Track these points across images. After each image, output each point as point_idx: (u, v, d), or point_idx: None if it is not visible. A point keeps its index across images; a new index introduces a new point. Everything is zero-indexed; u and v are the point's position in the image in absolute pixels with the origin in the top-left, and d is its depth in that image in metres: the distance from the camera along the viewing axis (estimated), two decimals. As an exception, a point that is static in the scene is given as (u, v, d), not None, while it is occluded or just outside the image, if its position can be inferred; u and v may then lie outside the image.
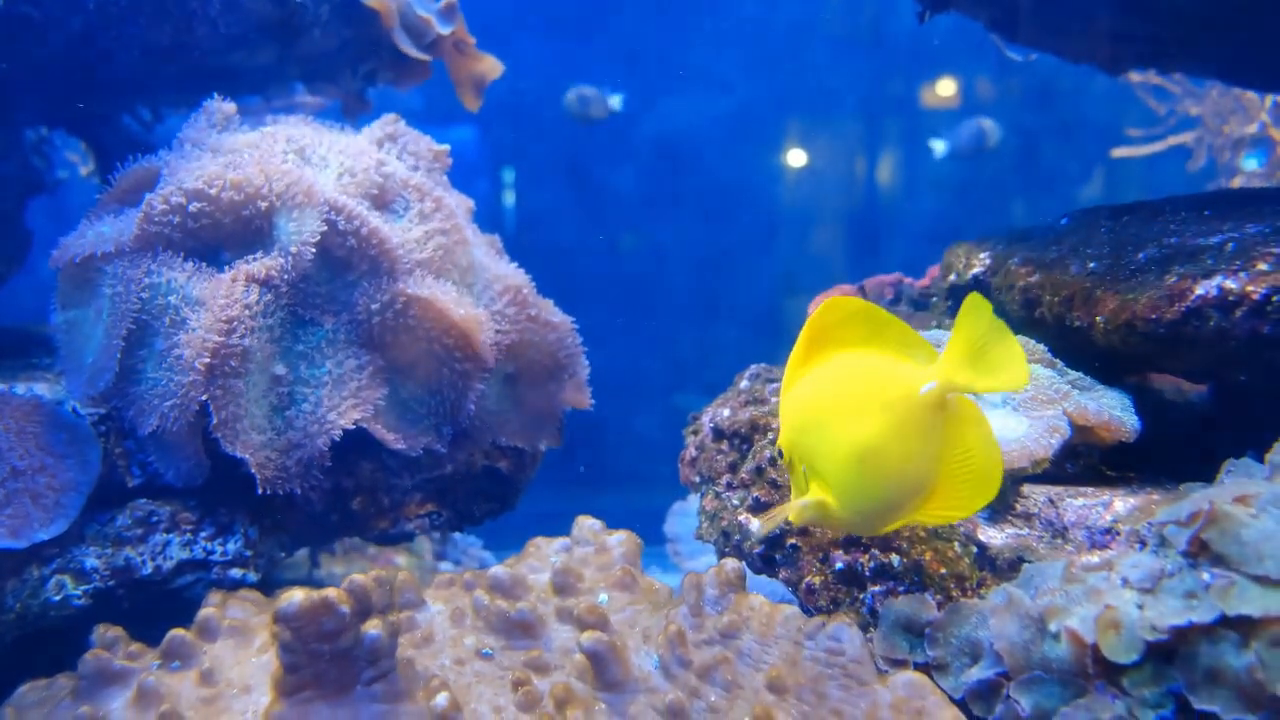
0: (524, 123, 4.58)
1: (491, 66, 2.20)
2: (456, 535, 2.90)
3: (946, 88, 4.83)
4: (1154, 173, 4.13)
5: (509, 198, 4.87)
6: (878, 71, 4.91)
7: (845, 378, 0.98)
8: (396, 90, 2.30)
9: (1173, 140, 3.79)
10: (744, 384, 1.64)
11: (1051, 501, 1.19)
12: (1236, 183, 3.68)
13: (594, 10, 4.75)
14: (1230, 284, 1.14)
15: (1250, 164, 3.69)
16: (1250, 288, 1.13)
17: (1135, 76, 3.61)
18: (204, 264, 1.40)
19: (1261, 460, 1.11)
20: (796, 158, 4.95)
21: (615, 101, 3.96)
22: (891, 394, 0.94)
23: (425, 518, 1.61)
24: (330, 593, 0.96)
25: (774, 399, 1.49)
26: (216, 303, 1.34)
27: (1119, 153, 3.83)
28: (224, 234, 1.44)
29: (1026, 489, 1.21)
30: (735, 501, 1.41)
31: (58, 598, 1.31)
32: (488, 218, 1.82)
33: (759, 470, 1.40)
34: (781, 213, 4.99)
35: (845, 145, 4.92)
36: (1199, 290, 1.16)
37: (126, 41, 1.74)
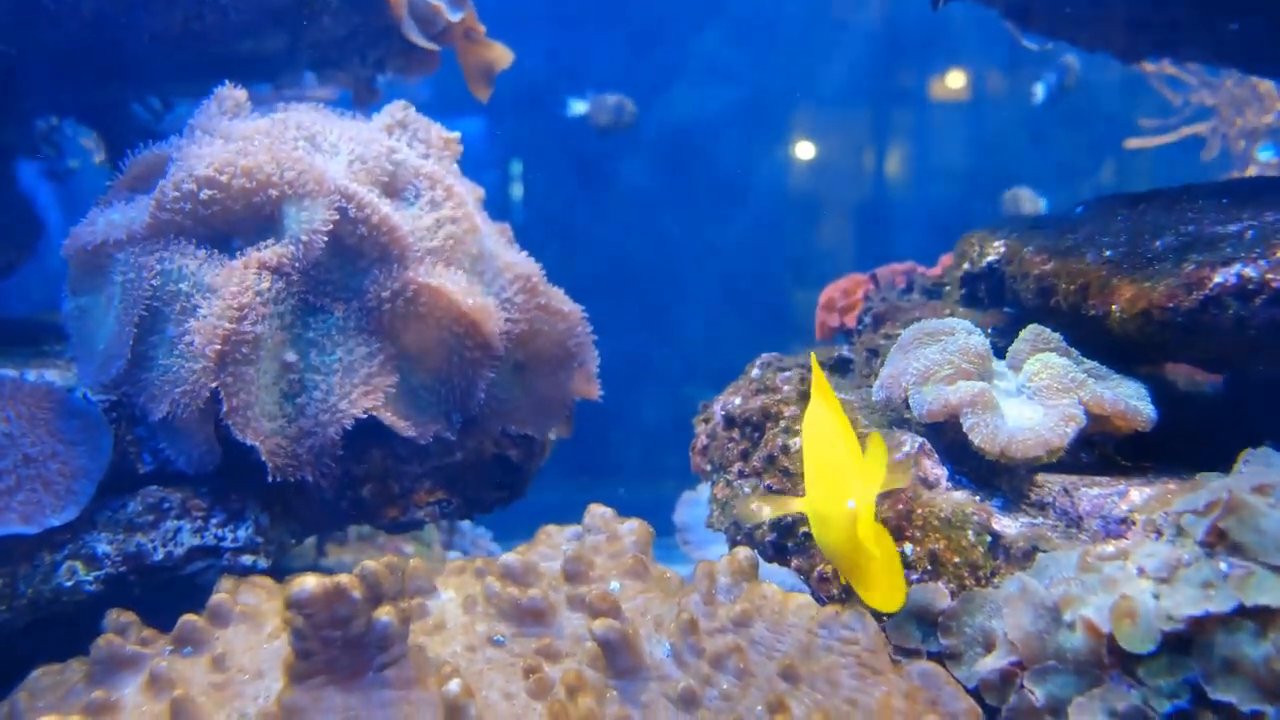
0: (532, 114, 4.57)
1: (501, 55, 2.19)
2: (465, 525, 2.90)
3: (956, 79, 4.81)
4: (1165, 164, 4.10)
5: (517, 189, 4.86)
6: (888, 62, 4.88)
7: (821, 446, 1.13)
8: (405, 79, 2.30)
9: (1186, 131, 3.76)
10: (755, 372, 1.63)
11: (1066, 491, 1.18)
12: (1250, 173, 3.66)
13: (603, 0, 4.73)
14: (1249, 272, 1.13)
15: (1265, 155, 3.66)
16: (1270, 276, 1.12)
17: (1149, 66, 3.58)
18: (216, 251, 1.40)
19: (1280, 450, 1.10)
20: (805, 148, 4.93)
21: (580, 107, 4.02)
22: (838, 489, 1.07)
23: (435, 505, 1.61)
24: (343, 579, 0.96)
25: (785, 387, 1.48)
26: (228, 290, 1.33)
27: (1132, 143, 3.80)
28: (235, 221, 1.43)
29: (1041, 478, 1.21)
30: (747, 489, 1.40)
31: (69, 583, 1.31)
32: (496, 209, 1.82)
33: (771, 458, 1.39)
34: (791, 203, 4.98)
35: (855, 136, 4.89)
36: (1217, 278, 1.15)
37: (136, 29, 1.74)
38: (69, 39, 1.72)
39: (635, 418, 4.19)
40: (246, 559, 1.42)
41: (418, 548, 2.67)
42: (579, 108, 3.90)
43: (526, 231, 1.85)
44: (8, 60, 1.69)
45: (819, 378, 1.20)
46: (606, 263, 4.78)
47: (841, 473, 1.08)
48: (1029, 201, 3.77)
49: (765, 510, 1.31)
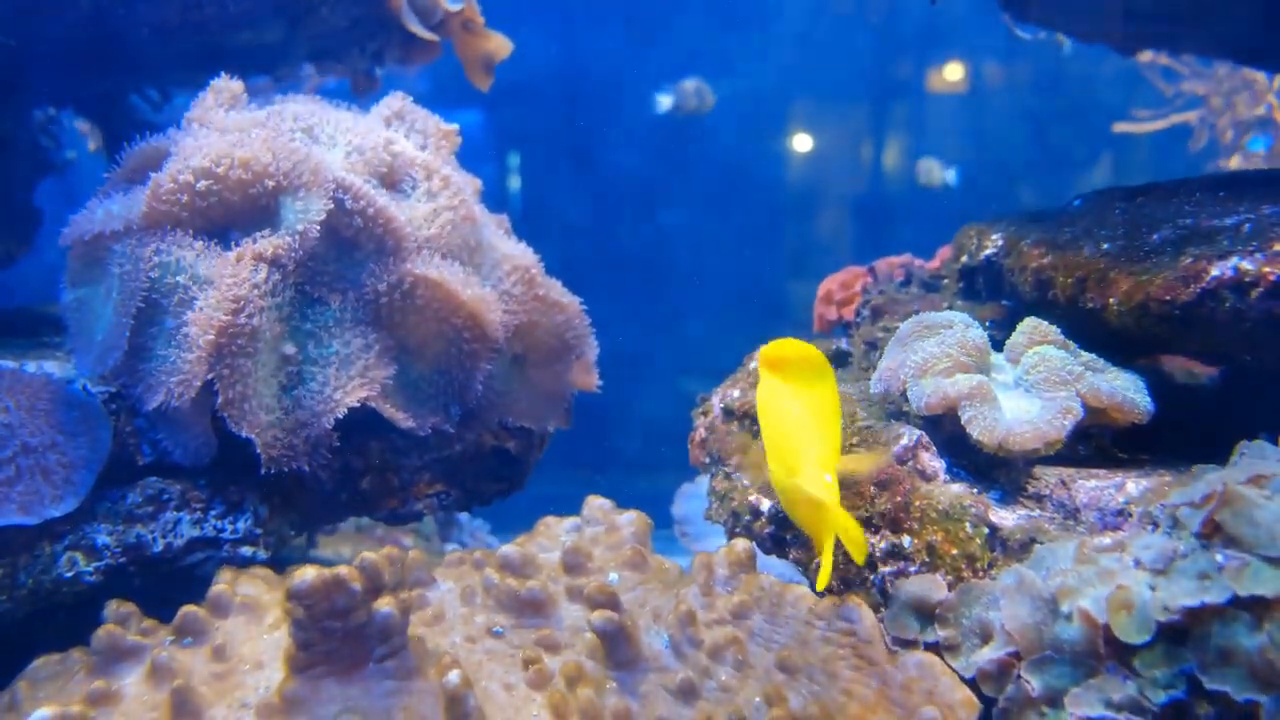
0: (530, 106, 4.56)
1: (500, 45, 2.19)
2: (462, 517, 2.91)
3: (954, 72, 4.81)
4: (1161, 157, 4.10)
5: (515, 182, 4.85)
6: (886, 55, 4.88)
7: (777, 417, 1.13)
8: (404, 70, 2.29)
9: (1176, 118, 3.76)
10: (753, 365, 1.64)
11: (1063, 483, 1.18)
12: (1234, 163, 3.66)
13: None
14: (1246, 265, 1.13)
15: (1255, 147, 3.67)
16: (1267, 269, 1.12)
17: (1145, 57, 3.58)
18: (213, 243, 1.40)
19: (1276, 442, 1.10)
20: (803, 141, 4.92)
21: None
22: (793, 460, 1.08)
23: (434, 497, 1.61)
24: (342, 570, 0.96)
25: (784, 380, 1.48)
26: (224, 281, 1.33)
27: (1120, 127, 3.81)
28: (232, 212, 1.43)
29: (1038, 470, 1.21)
30: (746, 481, 1.41)
31: (69, 574, 1.31)
32: (494, 201, 1.82)
33: (769, 451, 1.39)
34: (789, 196, 4.97)
35: (853, 128, 4.89)
36: (1214, 271, 1.16)
37: (135, 20, 1.73)
38: (68, 30, 1.71)
39: (633, 410, 4.19)
40: (246, 550, 1.42)
41: (415, 540, 2.68)
42: (665, 101, 3.94)
43: (523, 225, 1.85)
44: (7, 51, 1.69)
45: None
46: (605, 256, 4.78)
47: (796, 444, 1.08)
48: (937, 171, 3.86)
49: (765, 502, 1.32)
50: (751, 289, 4.81)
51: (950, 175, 4.08)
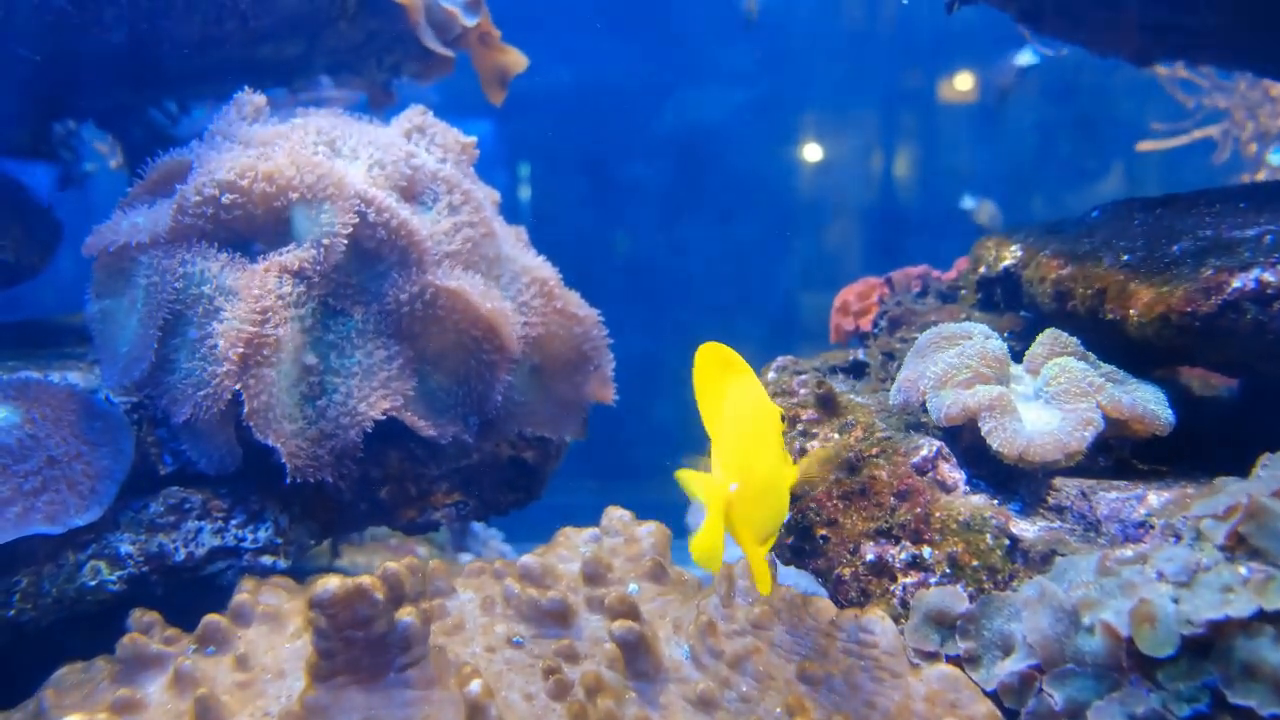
0: (542, 117, 4.58)
1: (516, 60, 2.20)
2: (476, 526, 2.91)
3: (965, 81, 4.81)
4: (1175, 167, 4.09)
5: (526, 192, 4.87)
6: (899, 65, 4.88)
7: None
8: (420, 84, 2.31)
9: (1198, 134, 3.74)
10: (771, 375, 1.64)
11: (1084, 495, 1.18)
12: (1261, 177, 3.64)
13: (613, 3, 4.74)
14: (1268, 277, 1.13)
15: (1277, 158, 3.65)
16: (1288, 281, 1.12)
17: (1162, 70, 3.57)
18: (237, 255, 1.42)
19: (1299, 454, 1.10)
20: (817, 151, 4.93)
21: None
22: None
23: (452, 507, 1.62)
24: (365, 580, 0.97)
25: (802, 391, 1.48)
26: (250, 293, 1.35)
27: (1144, 146, 3.79)
28: (256, 225, 1.45)
29: (1059, 482, 1.21)
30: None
31: (93, 583, 1.33)
32: (507, 212, 1.83)
33: (787, 462, 1.39)
34: (802, 206, 4.98)
35: (866, 139, 4.89)
36: (1235, 283, 1.15)
37: (157, 35, 1.75)
38: (91, 45, 1.73)
39: (648, 420, 4.20)
40: (266, 560, 1.43)
41: (430, 549, 2.68)
42: (968, 203, 4.12)
43: (535, 234, 1.86)
44: (30, 66, 1.71)
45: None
46: (616, 266, 4.79)
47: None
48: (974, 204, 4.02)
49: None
50: (765, 299, 4.81)
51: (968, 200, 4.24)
